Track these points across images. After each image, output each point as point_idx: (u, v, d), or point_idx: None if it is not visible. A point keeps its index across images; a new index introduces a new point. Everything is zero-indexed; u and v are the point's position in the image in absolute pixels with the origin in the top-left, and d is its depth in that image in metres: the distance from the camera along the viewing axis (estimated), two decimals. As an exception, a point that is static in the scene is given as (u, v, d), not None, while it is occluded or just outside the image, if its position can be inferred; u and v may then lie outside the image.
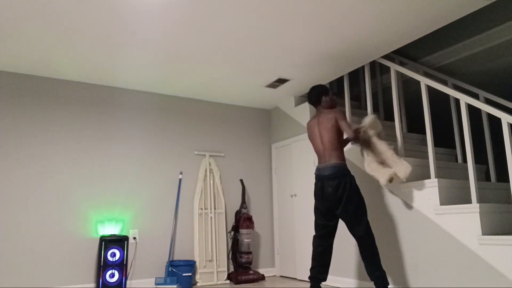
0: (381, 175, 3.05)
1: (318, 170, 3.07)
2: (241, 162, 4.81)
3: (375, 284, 2.84)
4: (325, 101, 3.23)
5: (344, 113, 3.19)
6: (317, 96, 3.24)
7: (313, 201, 4.17)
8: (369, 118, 3.29)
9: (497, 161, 3.76)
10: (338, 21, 2.96)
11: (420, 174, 3.34)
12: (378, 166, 3.14)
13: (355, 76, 4.95)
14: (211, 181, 4.51)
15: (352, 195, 2.92)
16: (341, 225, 3.79)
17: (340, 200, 2.92)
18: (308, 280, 2.99)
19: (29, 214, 3.61)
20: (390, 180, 3.00)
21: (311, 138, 3.20)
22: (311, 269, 3.02)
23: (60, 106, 3.91)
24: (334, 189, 2.92)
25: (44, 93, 3.86)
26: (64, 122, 3.90)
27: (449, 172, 3.52)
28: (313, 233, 4.13)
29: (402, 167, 2.99)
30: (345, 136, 3.29)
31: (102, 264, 3.63)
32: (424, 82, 3.25)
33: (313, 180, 4.20)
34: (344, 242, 3.75)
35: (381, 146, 3.16)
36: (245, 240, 4.28)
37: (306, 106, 4.42)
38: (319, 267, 2.98)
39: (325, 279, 3.00)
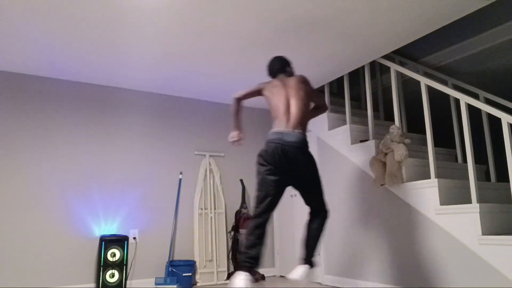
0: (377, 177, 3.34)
1: (279, 134, 2.59)
2: (241, 162, 4.81)
3: (311, 265, 2.70)
4: (289, 71, 2.98)
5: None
6: (284, 63, 2.97)
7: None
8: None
9: (497, 161, 3.76)
10: (338, 21, 2.96)
11: (420, 174, 3.34)
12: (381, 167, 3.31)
13: (355, 76, 4.95)
14: (211, 181, 4.51)
15: (317, 169, 2.72)
16: (343, 225, 3.79)
17: (308, 170, 2.65)
18: (243, 269, 2.44)
19: (29, 214, 3.61)
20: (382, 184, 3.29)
21: (272, 95, 2.77)
22: (248, 259, 2.46)
23: (60, 106, 3.91)
24: (303, 157, 2.60)
25: (44, 93, 3.86)
26: (64, 122, 3.90)
27: (449, 172, 3.52)
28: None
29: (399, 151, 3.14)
30: (315, 109, 3.08)
31: (102, 264, 3.63)
32: (424, 82, 3.25)
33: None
34: (344, 242, 3.75)
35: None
36: (245, 240, 4.28)
37: (306, 106, 4.41)
38: (254, 259, 2.46)
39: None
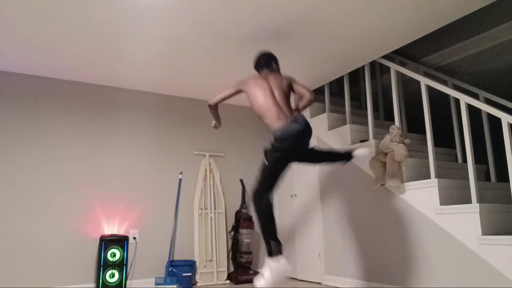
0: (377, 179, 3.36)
1: (294, 124, 2.65)
2: (241, 162, 4.80)
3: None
4: (275, 67, 3.01)
5: None
6: (272, 59, 3.02)
7: (313, 201, 4.16)
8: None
9: (497, 161, 3.76)
10: (338, 21, 2.96)
11: (420, 174, 3.34)
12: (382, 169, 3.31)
13: (355, 76, 4.95)
14: (211, 181, 4.51)
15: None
16: (343, 225, 3.80)
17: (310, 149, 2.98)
18: (274, 246, 2.62)
19: (29, 214, 3.61)
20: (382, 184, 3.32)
21: (254, 90, 2.80)
22: (274, 237, 2.63)
23: (60, 106, 3.91)
24: (308, 137, 2.80)
25: (44, 93, 3.86)
26: (63, 123, 3.90)
27: (449, 172, 3.52)
28: (313, 232, 4.12)
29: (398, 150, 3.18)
30: (301, 100, 3.02)
31: (102, 264, 3.63)
32: (424, 82, 3.25)
33: (313, 180, 4.19)
34: (344, 242, 3.75)
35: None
36: (245, 240, 4.28)
37: (306, 106, 4.42)
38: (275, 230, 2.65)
39: None
